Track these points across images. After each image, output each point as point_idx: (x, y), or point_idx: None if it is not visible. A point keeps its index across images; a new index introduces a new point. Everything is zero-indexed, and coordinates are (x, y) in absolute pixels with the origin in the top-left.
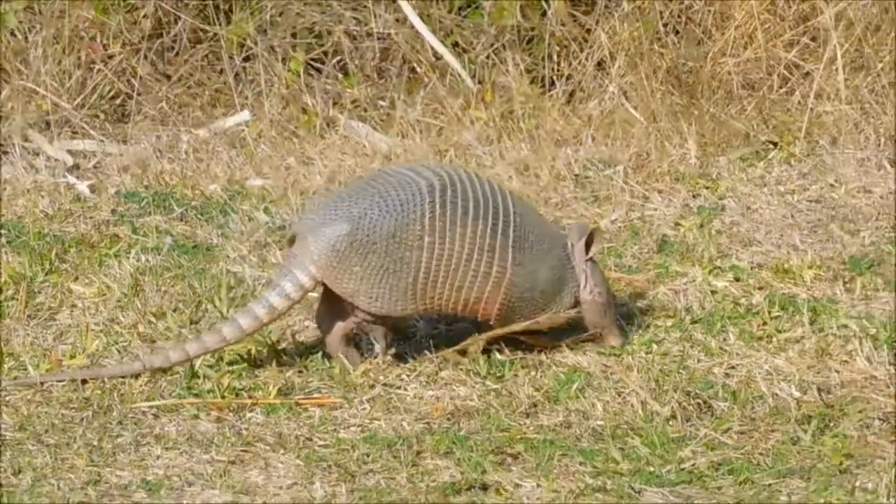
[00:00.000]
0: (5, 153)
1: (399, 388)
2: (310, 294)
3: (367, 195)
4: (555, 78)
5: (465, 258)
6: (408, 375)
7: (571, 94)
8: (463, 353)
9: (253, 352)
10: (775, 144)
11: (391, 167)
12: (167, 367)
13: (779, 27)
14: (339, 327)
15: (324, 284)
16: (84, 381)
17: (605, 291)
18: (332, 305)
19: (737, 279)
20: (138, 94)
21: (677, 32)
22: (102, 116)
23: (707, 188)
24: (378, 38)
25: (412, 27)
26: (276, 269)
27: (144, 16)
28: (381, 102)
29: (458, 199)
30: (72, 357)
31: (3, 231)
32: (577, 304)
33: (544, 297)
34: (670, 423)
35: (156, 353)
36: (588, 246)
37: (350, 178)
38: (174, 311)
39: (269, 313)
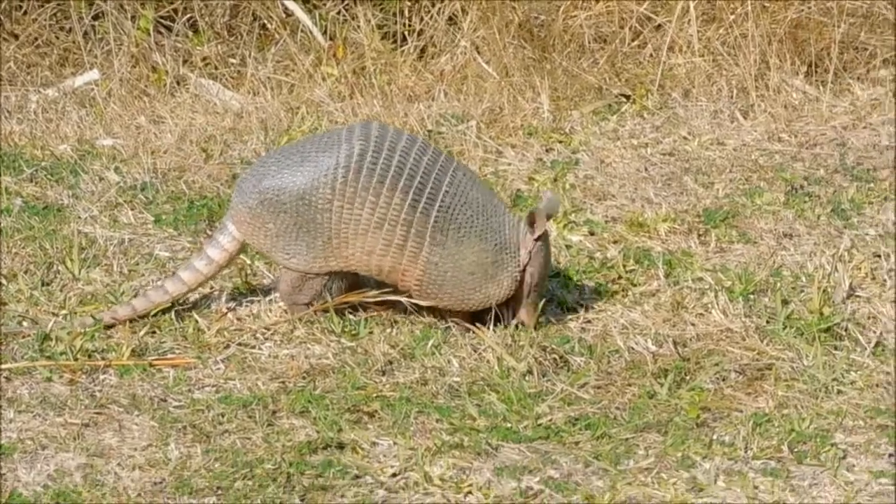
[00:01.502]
0: None
1: (254, 347)
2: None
3: (292, 154)
4: (406, 33)
5: (374, 225)
6: (262, 335)
7: (423, 50)
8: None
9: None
10: (628, 98)
11: (347, 126)
12: (113, 324)
13: None
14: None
15: None
16: None
17: (538, 273)
18: None
19: (591, 233)
20: None
21: None
22: None
23: (560, 142)
24: None
25: None
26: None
27: None
28: (231, 60)
29: (377, 167)
30: None
31: None
32: (519, 286)
33: (475, 279)
34: (527, 378)
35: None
36: (532, 225)
37: (202, 137)
38: (25, 272)
39: (208, 265)
